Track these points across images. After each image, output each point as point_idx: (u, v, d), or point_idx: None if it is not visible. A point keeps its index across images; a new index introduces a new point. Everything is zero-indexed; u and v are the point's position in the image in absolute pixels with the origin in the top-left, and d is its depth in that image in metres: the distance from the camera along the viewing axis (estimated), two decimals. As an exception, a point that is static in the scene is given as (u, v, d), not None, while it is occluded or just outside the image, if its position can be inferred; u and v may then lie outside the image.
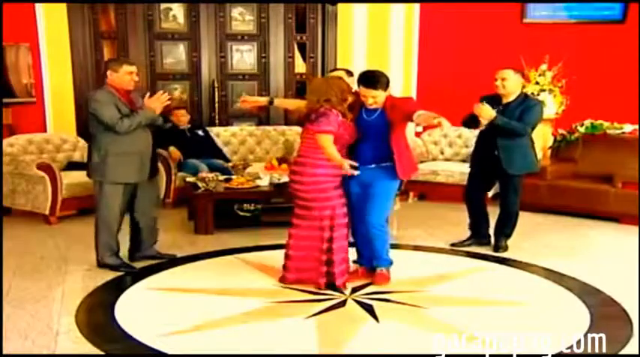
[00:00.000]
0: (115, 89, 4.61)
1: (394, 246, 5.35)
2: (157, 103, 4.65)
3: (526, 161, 5.14)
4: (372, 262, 4.54)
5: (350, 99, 4.28)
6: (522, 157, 5.08)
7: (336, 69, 5.74)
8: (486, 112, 4.83)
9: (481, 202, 5.36)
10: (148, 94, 4.73)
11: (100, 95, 4.58)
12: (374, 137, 4.31)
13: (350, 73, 5.48)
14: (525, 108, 4.97)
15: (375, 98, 4.25)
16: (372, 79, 4.27)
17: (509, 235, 5.33)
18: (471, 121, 5.07)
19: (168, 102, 4.73)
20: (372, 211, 4.35)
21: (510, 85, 5.00)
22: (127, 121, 4.52)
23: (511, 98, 5.02)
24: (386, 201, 4.42)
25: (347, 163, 4.08)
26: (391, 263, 4.54)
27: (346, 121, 4.25)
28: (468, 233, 5.46)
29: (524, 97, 5.06)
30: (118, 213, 4.75)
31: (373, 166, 4.32)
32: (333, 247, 4.30)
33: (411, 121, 4.25)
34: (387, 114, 4.28)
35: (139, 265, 4.90)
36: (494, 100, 5.03)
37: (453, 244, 5.42)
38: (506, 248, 5.26)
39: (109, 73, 4.61)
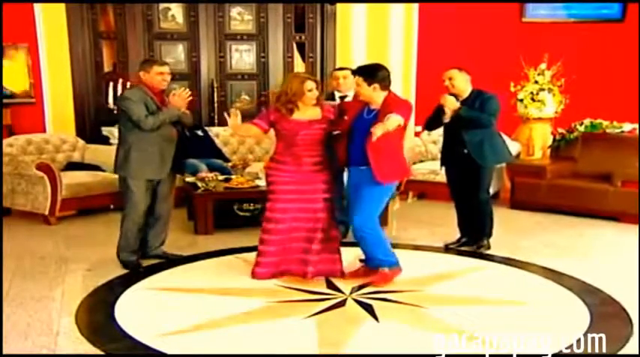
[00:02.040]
0: (147, 88, 4.72)
1: (394, 246, 5.37)
2: (179, 100, 4.76)
3: (497, 153, 5.19)
4: (370, 261, 4.54)
5: (305, 102, 4.38)
6: (492, 149, 5.11)
7: (343, 68, 5.68)
8: (451, 103, 4.92)
9: (467, 200, 5.31)
10: (172, 92, 4.85)
11: (130, 93, 4.76)
12: (363, 137, 4.25)
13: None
14: (483, 100, 5.03)
15: (357, 86, 4.32)
16: (361, 67, 4.41)
17: (490, 234, 5.29)
18: (434, 121, 5.15)
19: (191, 98, 4.86)
20: (356, 213, 4.34)
21: (459, 84, 5.06)
22: (152, 118, 4.63)
23: (465, 96, 5.08)
24: (371, 204, 4.34)
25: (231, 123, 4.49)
26: (393, 263, 4.49)
27: (284, 118, 4.40)
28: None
29: (477, 92, 5.10)
30: (143, 209, 4.81)
31: (364, 167, 4.28)
32: (263, 238, 4.53)
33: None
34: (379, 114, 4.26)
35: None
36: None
37: (446, 245, 5.42)
38: (488, 247, 5.24)
39: (141, 73, 4.76)
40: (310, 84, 4.41)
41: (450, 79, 5.05)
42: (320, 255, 4.51)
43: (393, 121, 4.04)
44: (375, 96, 4.27)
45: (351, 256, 4.76)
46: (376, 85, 4.26)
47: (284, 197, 4.47)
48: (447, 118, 5.02)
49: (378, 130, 3.98)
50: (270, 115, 4.47)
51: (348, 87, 5.37)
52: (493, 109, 5.04)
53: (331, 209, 4.57)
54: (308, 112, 4.43)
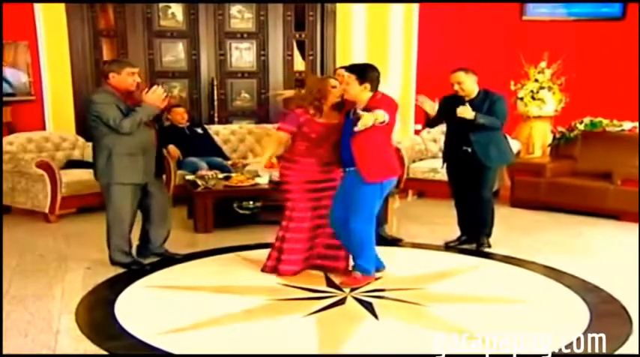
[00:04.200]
0: (115, 90, 4.61)
1: (394, 244, 5.38)
2: (155, 97, 4.62)
3: (502, 154, 5.20)
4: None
5: (330, 100, 4.37)
6: (498, 150, 5.12)
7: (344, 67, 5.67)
8: (468, 113, 4.88)
9: (467, 198, 5.28)
10: (145, 89, 4.71)
11: (100, 97, 4.59)
12: (349, 138, 4.26)
13: None
14: (492, 102, 5.02)
15: (347, 84, 4.28)
16: (353, 65, 4.44)
17: (489, 234, 5.27)
18: (435, 118, 5.16)
19: (165, 94, 4.71)
20: (355, 217, 4.30)
21: (467, 86, 5.04)
22: (128, 120, 4.50)
23: (473, 96, 5.06)
24: (366, 205, 4.30)
25: (264, 161, 4.72)
26: (368, 271, 4.42)
27: (313, 120, 4.37)
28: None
29: (485, 93, 5.08)
30: (130, 213, 4.74)
31: (352, 169, 4.29)
32: (285, 236, 4.54)
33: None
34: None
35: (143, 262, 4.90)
36: (456, 99, 5.05)
37: (446, 243, 5.42)
38: (489, 245, 5.22)
39: (111, 75, 4.61)
40: (333, 81, 4.48)
41: (459, 83, 5.02)
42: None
43: (378, 114, 4.04)
44: (363, 96, 4.25)
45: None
46: (367, 85, 4.23)
47: (304, 196, 4.49)
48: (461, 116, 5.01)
49: (360, 124, 3.98)
50: (299, 117, 4.39)
51: None
52: (503, 112, 5.04)
53: None
54: (331, 115, 4.42)
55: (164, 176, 5.23)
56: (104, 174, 4.64)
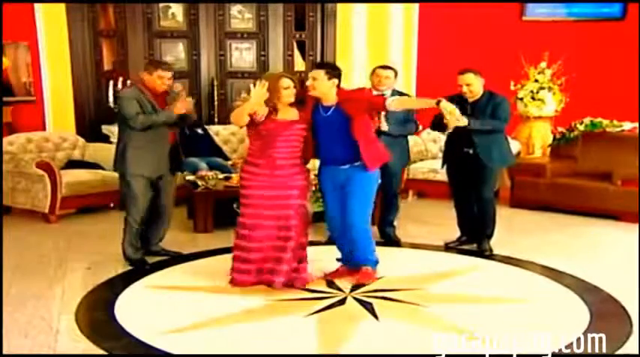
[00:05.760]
0: (146, 89, 4.75)
1: (394, 244, 5.38)
2: (182, 108, 4.77)
3: (504, 155, 5.21)
4: (350, 260, 4.50)
5: (283, 99, 4.26)
6: (500, 152, 5.12)
7: (387, 67, 5.59)
8: (461, 122, 4.76)
9: (468, 199, 5.28)
10: (183, 94, 4.88)
11: (124, 92, 4.90)
12: (339, 135, 4.26)
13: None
14: (494, 104, 5.01)
15: (314, 80, 4.27)
16: (321, 63, 4.55)
17: (490, 236, 5.25)
18: (440, 125, 5.08)
19: (191, 106, 4.90)
20: (353, 212, 4.31)
21: (475, 89, 5.03)
22: (142, 117, 4.65)
23: (477, 97, 5.05)
24: (365, 200, 4.36)
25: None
26: (377, 262, 4.48)
27: (269, 117, 4.26)
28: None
29: (489, 94, 5.07)
30: (143, 205, 4.81)
31: (347, 166, 4.31)
32: (239, 244, 4.38)
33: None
34: (343, 109, 4.25)
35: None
36: (459, 99, 4.97)
37: (446, 244, 5.41)
38: (491, 250, 5.19)
39: (144, 73, 4.80)
40: (286, 81, 4.30)
41: (468, 84, 5.00)
42: (290, 264, 4.31)
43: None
44: (332, 92, 4.29)
45: (328, 256, 4.69)
46: (335, 81, 4.28)
47: (258, 202, 4.31)
48: (450, 130, 4.99)
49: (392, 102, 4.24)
50: (255, 112, 4.24)
51: (388, 86, 5.31)
52: (505, 115, 5.04)
53: (304, 215, 4.40)
54: (287, 113, 4.31)
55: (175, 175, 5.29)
56: (119, 164, 4.80)
